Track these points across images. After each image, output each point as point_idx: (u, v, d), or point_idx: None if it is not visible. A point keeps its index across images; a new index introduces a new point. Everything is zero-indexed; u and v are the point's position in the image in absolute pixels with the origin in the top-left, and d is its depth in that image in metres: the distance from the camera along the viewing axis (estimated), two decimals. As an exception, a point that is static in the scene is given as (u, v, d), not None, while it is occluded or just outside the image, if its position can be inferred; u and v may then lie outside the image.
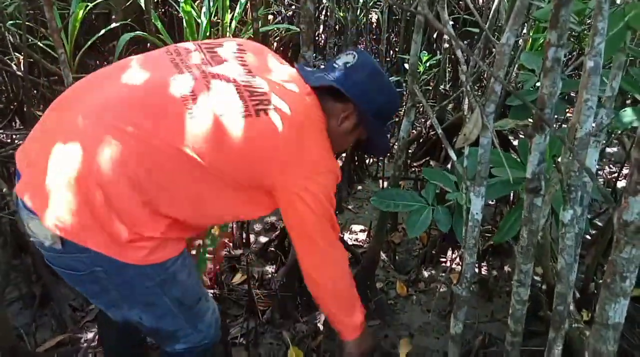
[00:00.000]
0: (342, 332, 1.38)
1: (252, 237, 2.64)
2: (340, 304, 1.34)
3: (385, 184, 2.98)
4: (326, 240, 1.23)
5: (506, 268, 2.53)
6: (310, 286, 1.31)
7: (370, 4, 4.03)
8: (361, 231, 2.82)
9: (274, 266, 2.47)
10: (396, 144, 2.05)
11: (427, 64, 3.47)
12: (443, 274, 2.51)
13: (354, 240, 2.75)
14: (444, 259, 2.59)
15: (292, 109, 1.14)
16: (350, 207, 3.02)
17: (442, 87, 3.39)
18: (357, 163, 3.23)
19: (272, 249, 2.50)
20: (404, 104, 3.49)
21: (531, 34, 2.91)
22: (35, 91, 3.38)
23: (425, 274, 2.50)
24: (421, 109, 3.61)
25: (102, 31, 3.59)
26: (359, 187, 3.22)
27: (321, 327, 2.10)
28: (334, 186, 1.21)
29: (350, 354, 1.41)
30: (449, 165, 2.86)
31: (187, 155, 1.07)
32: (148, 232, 1.08)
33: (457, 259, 2.60)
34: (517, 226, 1.43)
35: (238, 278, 2.40)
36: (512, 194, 2.54)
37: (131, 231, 1.07)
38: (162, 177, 1.08)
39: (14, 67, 3.08)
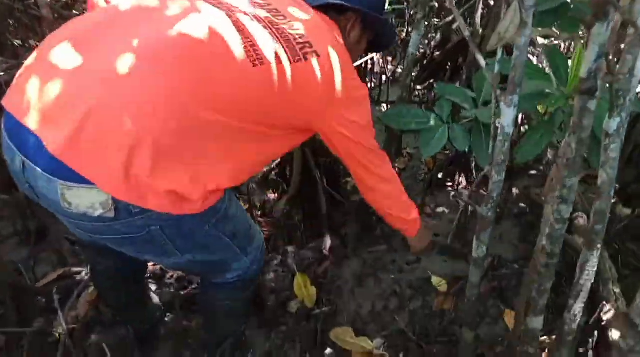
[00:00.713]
0: (405, 230, 1.54)
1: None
2: (396, 208, 1.45)
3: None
4: (375, 164, 1.30)
5: (514, 190, 2.44)
6: (369, 201, 1.44)
7: None
8: (364, 157, 2.70)
9: (276, 194, 2.37)
10: (401, 63, 1.88)
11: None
12: (458, 193, 2.42)
13: (357, 166, 2.64)
14: (450, 184, 2.49)
15: (328, 47, 1.13)
16: (351, 133, 2.89)
17: (447, 3, 3.14)
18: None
19: (274, 177, 2.39)
20: (413, 19, 3.24)
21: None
22: (10, 19, 3.10)
23: (432, 198, 2.41)
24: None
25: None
26: (360, 113, 3.07)
27: (327, 254, 2.04)
28: (369, 108, 1.27)
29: (415, 247, 1.66)
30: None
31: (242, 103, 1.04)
32: (211, 184, 1.03)
33: (464, 183, 2.51)
34: (543, 143, 1.31)
35: (240, 208, 2.31)
36: (520, 116, 2.40)
37: (198, 184, 1.00)
38: (223, 120, 1.02)
39: (-16, -9, 2.80)
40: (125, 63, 0.92)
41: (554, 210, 0.84)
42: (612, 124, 0.88)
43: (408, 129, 1.55)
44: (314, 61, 1.08)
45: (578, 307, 0.99)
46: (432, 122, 1.54)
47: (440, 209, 2.36)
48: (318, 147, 2.09)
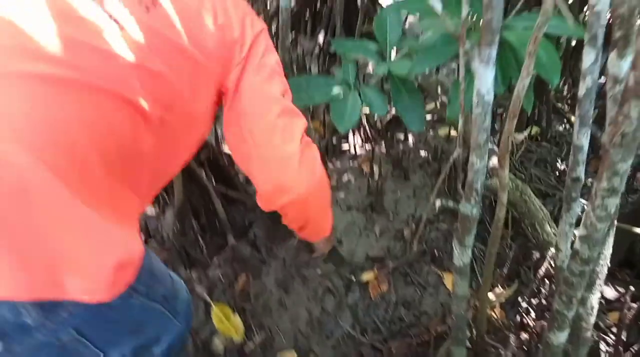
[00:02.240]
0: (320, 234, 1.03)
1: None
2: (325, 206, 0.94)
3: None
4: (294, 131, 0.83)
5: (411, 138, 2.24)
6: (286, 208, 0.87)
7: None
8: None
9: (158, 208, 1.87)
10: (279, 19, 1.47)
11: None
12: (351, 162, 2.14)
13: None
14: (347, 147, 2.20)
15: None
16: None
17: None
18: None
19: (148, 188, 1.87)
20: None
21: None
22: None
23: (332, 166, 2.11)
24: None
25: None
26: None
27: (235, 265, 1.64)
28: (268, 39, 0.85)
29: (323, 250, 1.19)
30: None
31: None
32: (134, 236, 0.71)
33: (360, 143, 2.23)
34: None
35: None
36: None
37: (118, 253, 0.66)
38: (129, 144, 0.69)
39: None
40: None
41: (596, 205, 0.56)
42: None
43: (312, 103, 1.18)
44: None
45: (595, 298, 0.75)
46: (338, 90, 1.18)
47: (344, 178, 2.07)
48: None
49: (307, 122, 0.86)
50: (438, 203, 0.81)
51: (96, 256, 0.63)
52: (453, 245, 0.81)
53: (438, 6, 0.62)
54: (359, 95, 1.18)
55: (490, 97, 0.66)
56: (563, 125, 2.24)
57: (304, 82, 1.19)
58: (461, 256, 0.80)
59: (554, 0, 0.71)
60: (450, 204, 0.79)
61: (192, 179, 1.72)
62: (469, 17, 0.64)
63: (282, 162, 0.80)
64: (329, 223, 1.02)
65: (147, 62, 0.67)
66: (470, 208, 0.73)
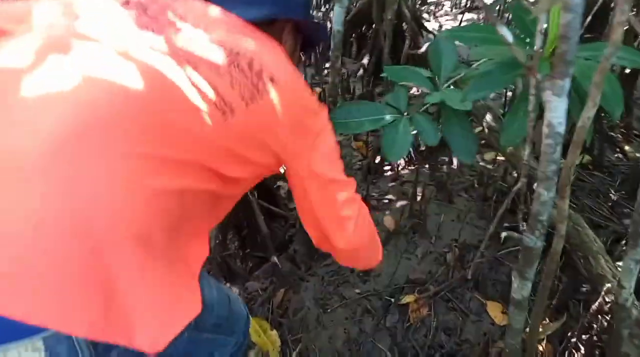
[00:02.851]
0: (369, 266, 1.05)
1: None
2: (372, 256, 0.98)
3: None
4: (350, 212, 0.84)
5: (455, 161, 2.21)
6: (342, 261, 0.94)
7: None
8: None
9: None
10: (331, 42, 1.49)
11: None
12: (393, 184, 2.13)
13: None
14: (389, 167, 2.20)
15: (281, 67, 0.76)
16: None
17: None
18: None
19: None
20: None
21: None
22: None
23: (374, 187, 2.10)
24: None
25: None
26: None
27: (275, 280, 1.65)
28: (332, 134, 0.84)
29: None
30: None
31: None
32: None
33: (403, 164, 2.22)
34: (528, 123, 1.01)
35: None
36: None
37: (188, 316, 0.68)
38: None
39: None
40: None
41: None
42: None
43: (362, 130, 1.19)
44: (272, 92, 0.72)
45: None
46: (389, 117, 1.19)
47: (385, 198, 2.06)
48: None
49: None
50: (504, 234, 0.79)
51: (168, 320, 0.65)
52: (512, 277, 0.79)
53: (509, 36, 0.62)
54: (409, 122, 1.18)
55: (562, 129, 0.65)
56: (616, 154, 2.17)
57: (354, 109, 1.20)
58: (520, 289, 0.78)
59: (623, 30, 0.70)
60: (515, 235, 0.77)
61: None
62: (542, 48, 0.63)
63: (338, 225, 0.82)
64: (378, 258, 1.00)
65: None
66: (534, 240, 0.72)
